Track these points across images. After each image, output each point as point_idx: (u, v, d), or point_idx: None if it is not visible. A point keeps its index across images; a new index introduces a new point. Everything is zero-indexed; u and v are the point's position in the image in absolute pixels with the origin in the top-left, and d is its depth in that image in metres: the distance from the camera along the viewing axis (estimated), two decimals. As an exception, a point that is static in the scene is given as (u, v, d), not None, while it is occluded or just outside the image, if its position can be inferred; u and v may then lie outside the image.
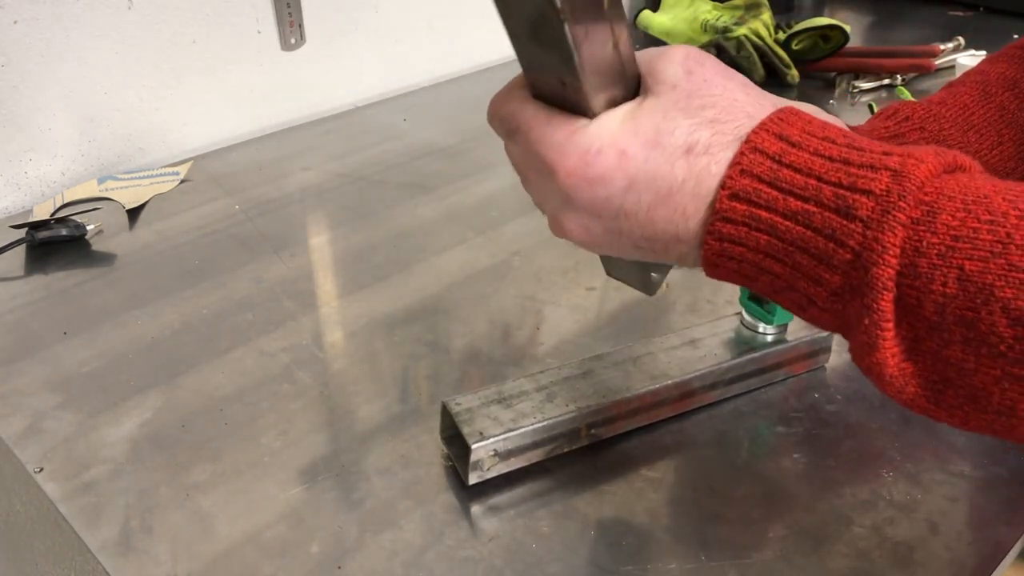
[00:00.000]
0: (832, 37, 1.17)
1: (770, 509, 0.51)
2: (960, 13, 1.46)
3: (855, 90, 1.15)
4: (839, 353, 0.63)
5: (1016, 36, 1.27)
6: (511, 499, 0.51)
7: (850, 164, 0.31)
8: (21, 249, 0.77)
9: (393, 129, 1.04)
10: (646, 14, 1.33)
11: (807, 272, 0.32)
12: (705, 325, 0.60)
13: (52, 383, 0.61)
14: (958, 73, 0.97)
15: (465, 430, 0.50)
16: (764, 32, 1.15)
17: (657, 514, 0.50)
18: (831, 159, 0.32)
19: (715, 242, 0.33)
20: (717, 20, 1.18)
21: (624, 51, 0.34)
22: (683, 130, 0.34)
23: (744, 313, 0.59)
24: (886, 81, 1.16)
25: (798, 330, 0.59)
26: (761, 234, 0.32)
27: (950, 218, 0.29)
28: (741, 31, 1.14)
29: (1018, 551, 0.50)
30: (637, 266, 0.45)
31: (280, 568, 0.47)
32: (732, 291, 0.70)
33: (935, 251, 0.29)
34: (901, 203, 0.30)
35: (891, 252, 0.30)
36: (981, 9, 1.47)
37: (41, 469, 0.54)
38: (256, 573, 0.47)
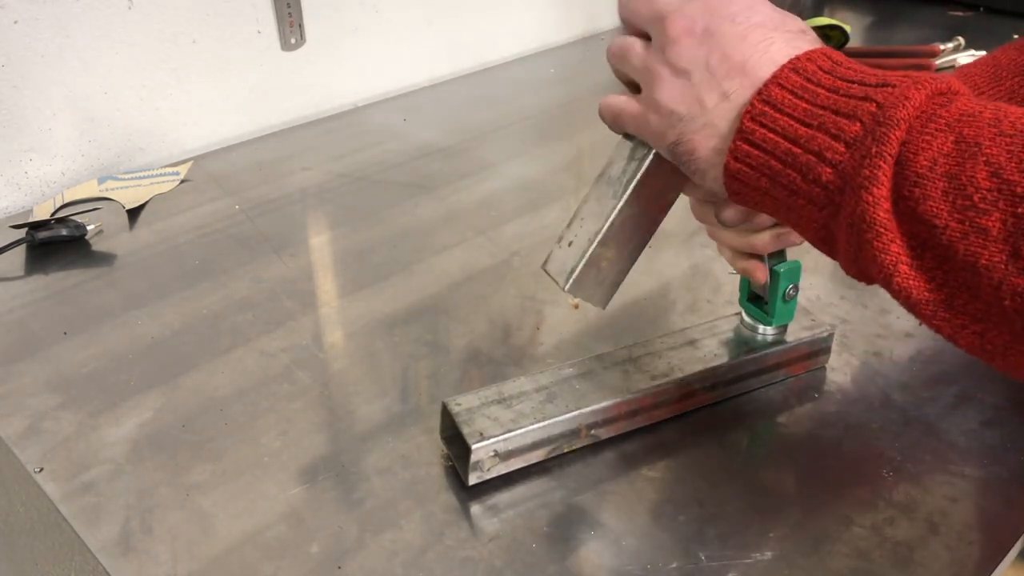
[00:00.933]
0: (832, 37, 1.17)
1: (770, 509, 0.51)
2: (960, 13, 1.46)
3: (855, 90, 1.14)
4: (839, 353, 0.63)
5: (1016, 36, 1.26)
6: (511, 499, 0.51)
7: (887, 73, 0.39)
8: (21, 249, 0.77)
9: (393, 129, 1.04)
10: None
11: (830, 128, 0.38)
12: (705, 325, 0.60)
13: (52, 383, 0.61)
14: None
15: (465, 430, 0.51)
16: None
17: (657, 514, 0.50)
18: (868, 72, 0.39)
19: (759, 103, 0.40)
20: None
21: None
22: (801, 23, 0.43)
23: (744, 314, 0.59)
24: (886, 81, 1.16)
25: (798, 331, 0.59)
26: (801, 101, 0.39)
27: (963, 102, 0.36)
28: (741, 31, 1.14)
29: (1018, 551, 0.50)
30: (604, 285, 0.50)
31: (280, 568, 0.47)
32: (732, 291, 0.70)
33: (944, 120, 0.35)
34: (926, 82, 0.37)
35: (913, 102, 0.36)
36: (981, 9, 1.47)
37: (41, 469, 0.54)
38: (256, 573, 0.47)
